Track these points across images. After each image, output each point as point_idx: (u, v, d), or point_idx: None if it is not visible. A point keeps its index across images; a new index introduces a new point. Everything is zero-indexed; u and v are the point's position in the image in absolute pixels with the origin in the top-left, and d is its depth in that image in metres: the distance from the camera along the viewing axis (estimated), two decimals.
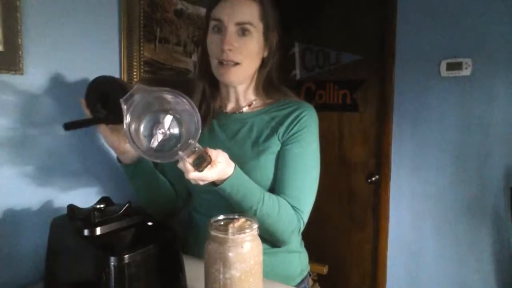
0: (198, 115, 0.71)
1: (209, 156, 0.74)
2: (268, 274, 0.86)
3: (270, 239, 0.96)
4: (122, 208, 0.83)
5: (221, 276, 0.70)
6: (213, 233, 0.71)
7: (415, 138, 1.91)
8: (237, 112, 1.05)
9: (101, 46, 1.12)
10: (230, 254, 0.69)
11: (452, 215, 1.83)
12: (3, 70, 0.89)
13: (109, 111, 0.88)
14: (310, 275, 1.14)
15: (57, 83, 1.01)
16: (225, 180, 0.83)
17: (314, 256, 1.25)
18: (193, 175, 0.75)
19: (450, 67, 1.77)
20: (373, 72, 2.03)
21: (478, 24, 1.71)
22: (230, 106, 1.07)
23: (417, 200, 1.93)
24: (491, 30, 1.68)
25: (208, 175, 0.77)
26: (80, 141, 1.07)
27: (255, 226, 0.72)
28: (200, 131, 0.71)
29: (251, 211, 0.87)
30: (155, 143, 0.72)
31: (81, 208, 0.86)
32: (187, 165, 0.74)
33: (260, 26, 0.96)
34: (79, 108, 0.92)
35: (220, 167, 0.79)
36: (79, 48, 1.05)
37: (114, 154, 1.02)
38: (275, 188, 0.97)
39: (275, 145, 0.97)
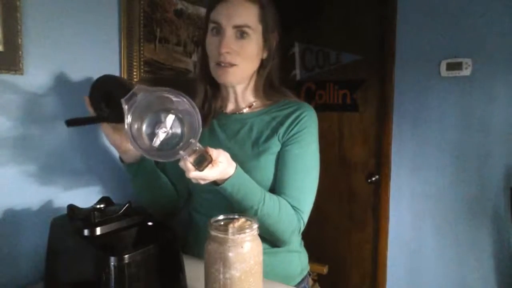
0: (199, 115, 0.71)
1: (210, 155, 0.74)
2: (268, 274, 0.86)
3: (271, 239, 0.96)
4: (122, 208, 0.83)
5: (221, 276, 0.70)
6: (213, 233, 0.71)
7: (415, 138, 1.91)
8: (237, 112, 1.05)
9: (101, 46, 1.12)
10: (230, 254, 0.69)
11: (452, 215, 1.83)
12: (3, 70, 0.89)
13: (112, 109, 0.88)
14: (310, 274, 1.15)
15: (57, 83, 1.01)
16: (226, 179, 0.83)
17: (314, 256, 1.25)
18: (193, 174, 0.75)
19: (450, 67, 1.77)
20: (373, 72, 2.03)
21: (478, 24, 1.71)
22: (230, 107, 1.07)
23: (417, 200, 1.93)
24: (491, 30, 1.68)
25: (209, 174, 0.77)
26: (79, 141, 1.07)
27: (255, 226, 0.72)
28: (201, 131, 0.71)
29: (252, 211, 0.87)
30: (157, 142, 0.72)
31: (81, 208, 0.86)
32: (188, 164, 0.74)
33: (259, 28, 0.96)
34: (80, 108, 0.92)
35: (221, 166, 0.79)
36: (79, 48, 1.06)
37: (114, 154, 1.03)
38: (275, 188, 0.97)
39: (275, 145, 0.97)
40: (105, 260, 0.70)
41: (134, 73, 1.21)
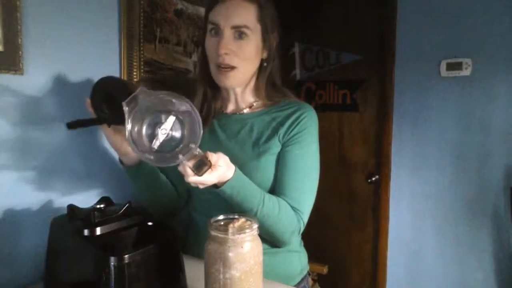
0: (200, 120, 0.71)
1: (209, 160, 0.74)
2: (268, 274, 0.86)
3: (270, 239, 0.96)
4: (122, 208, 0.83)
5: (221, 276, 0.70)
6: (213, 233, 0.71)
7: (415, 138, 1.91)
8: (238, 113, 1.05)
9: (101, 46, 1.12)
10: (230, 254, 0.69)
11: (452, 215, 1.83)
12: (3, 70, 0.89)
13: (113, 111, 0.88)
14: (309, 274, 1.15)
15: (57, 83, 1.01)
16: (225, 182, 0.83)
17: (314, 256, 1.25)
18: (192, 179, 0.75)
19: (450, 67, 1.77)
20: (373, 72, 2.03)
21: (478, 24, 1.71)
22: (230, 107, 1.07)
23: (417, 200, 1.93)
24: (491, 30, 1.68)
25: (208, 179, 0.77)
26: (80, 141, 1.07)
27: (255, 226, 0.72)
28: (201, 137, 0.71)
29: (252, 213, 0.87)
30: (157, 143, 0.72)
31: (81, 208, 0.86)
32: (187, 169, 0.74)
33: (257, 28, 0.96)
34: (80, 108, 0.92)
35: (220, 171, 0.79)
36: (79, 48, 1.06)
37: (114, 154, 1.03)
38: (275, 188, 0.97)
39: (275, 146, 0.97)
40: (105, 260, 0.70)
41: (134, 73, 1.21)
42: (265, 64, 1.02)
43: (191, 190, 1.08)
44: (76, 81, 1.05)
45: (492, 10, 1.68)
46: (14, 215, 0.94)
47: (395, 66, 1.93)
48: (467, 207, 1.79)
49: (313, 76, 2.24)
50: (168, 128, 0.72)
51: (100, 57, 1.12)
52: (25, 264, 0.97)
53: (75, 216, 0.83)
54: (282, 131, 0.98)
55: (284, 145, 0.98)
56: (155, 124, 0.72)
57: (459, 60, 1.75)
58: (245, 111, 1.05)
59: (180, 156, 0.71)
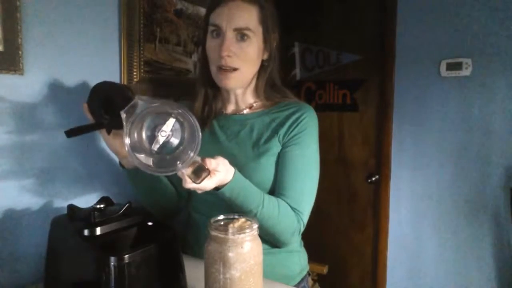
0: (199, 127, 0.71)
1: (208, 168, 0.74)
2: (268, 274, 0.86)
3: (271, 240, 0.96)
4: (122, 208, 0.83)
5: (221, 276, 0.70)
6: (213, 233, 0.71)
7: (415, 138, 1.91)
8: (238, 113, 1.05)
9: (101, 46, 1.12)
10: (230, 254, 0.69)
11: (452, 215, 1.83)
12: (3, 70, 0.89)
13: (111, 116, 0.88)
14: (309, 274, 1.15)
15: (57, 83, 1.01)
16: (225, 185, 0.83)
17: (314, 256, 1.25)
18: (191, 186, 0.75)
19: (450, 67, 1.77)
20: (373, 72, 2.03)
21: (478, 24, 1.71)
22: (230, 108, 1.07)
23: (417, 200, 1.93)
24: (491, 30, 1.68)
25: (207, 185, 0.77)
26: (80, 142, 1.07)
27: (255, 226, 0.72)
28: (200, 144, 0.71)
29: (251, 214, 0.87)
30: (156, 146, 0.72)
31: (81, 208, 0.86)
32: (185, 176, 0.74)
33: (259, 29, 0.96)
34: (80, 108, 0.92)
35: (219, 176, 0.79)
36: (79, 48, 1.06)
37: (114, 154, 1.02)
38: (275, 189, 0.97)
39: (275, 146, 0.97)
40: (105, 260, 0.70)
41: (134, 73, 1.21)
42: (265, 64, 1.02)
43: (191, 191, 1.08)
44: (76, 81, 1.05)
45: (492, 10, 1.68)
46: (14, 215, 0.94)
47: (395, 66, 1.93)
48: (467, 207, 1.79)
49: (313, 76, 2.24)
50: (168, 130, 0.72)
51: (100, 57, 1.12)
52: (25, 264, 0.97)
53: (75, 216, 0.83)
54: (282, 131, 0.98)
55: (284, 146, 0.98)
56: (155, 127, 0.72)
57: (459, 60, 1.75)
58: (245, 111, 1.05)
59: (179, 164, 0.71)
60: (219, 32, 0.94)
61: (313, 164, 1.00)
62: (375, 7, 2.01)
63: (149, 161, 0.73)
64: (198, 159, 0.73)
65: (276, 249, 1.00)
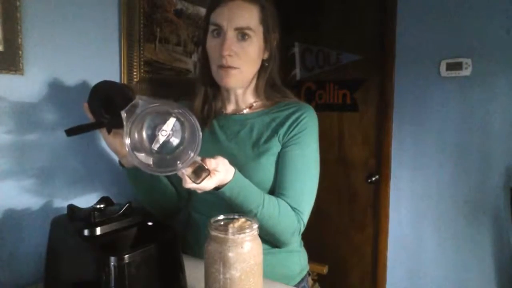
0: (199, 127, 0.71)
1: (208, 168, 0.74)
2: (268, 273, 0.86)
3: (271, 240, 0.96)
4: (122, 208, 0.83)
5: (221, 276, 0.70)
6: (213, 233, 0.71)
7: (415, 138, 1.91)
8: (238, 113, 1.05)
9: (101, 46, 1.12)
10: (230, 254, 0.69)
11: (452, 215, 1.83)
12: (3, 70, 0.89)
13: (112, 116, 0.88)
14: (309, 274, 1.15)
15: (57, 83, 1.01)
16: (225, 184, 0.83)
17: (314, 256, 1.25)
18: (190, 186, 0.75)
19: (450, 67, 1.77)
20: (373, 72, 2.03)
21: (478, 24, 1.71)
22: (230, 107, 1.07)
23: (417, 200, 1.93)
24: (491, 30, 1.68)
25: (206, 185, 0.77)
26: (80, 141, 1.07)
27: (255, 226, 0.72)
28: (200, 144, 0.71)
29: (252, 214, 0.87)
30: (156, 146, 0.72)
31: (81, 208, 0.86)
32: (185, 176, 0.74)
33: (260, 29, 0.96)
34: (80, 107, 0.92)
35: (219, 176, 0.79)
36: (79, 48, 1.06)
37: (114, 154, 1.02)
38: (275, 189, 0.97)
39: (275, 146, 0.97)
40: (105, 260, 0.70)
41: (134, 73, 1.21)
42: (266, 64, 1.02)
43: (191, 191, 1.08)
44: (76, 81, 1.05)
45: (492, 10, 1.68)
46: (14, 215, 0.94)
47: (395, 66, 1.93)
48: (467, 207, 1.79)
49: (313, 76, 2.24)
50: (168, 129, 0.72)
51: (100, 57, 1.12)
52: (25, 264, 0.97)
53: (75, 216, 0.83)
54: (282, 131, 0.98)
55: (284, 146, 0.98)
56: (155, 126, 0.72)
57: (459, 60, 1.75)
58: (245, 111, 1.05)
59: (179, 164, 0.71)
60: (219, 32, 0.94)
61: (313, 164, 1.00)
62: (375, 7, 2.01)
63: (149, 161, 0.73)
64: (198, 159, 0.73)
65: (276, 249, 1.00)
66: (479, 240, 1.77)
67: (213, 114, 1.06)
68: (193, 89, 1.07)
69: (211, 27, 0.96)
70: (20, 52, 0.92)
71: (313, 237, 1.24)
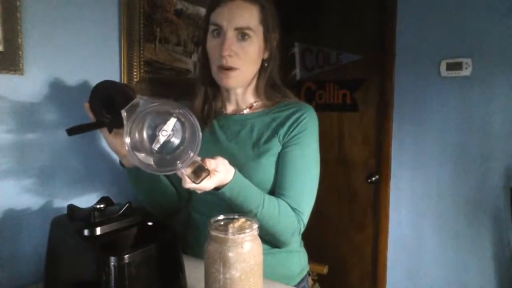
0: (199, 127, 0.71)
1: (207, 169, 0.74)
2: (268, 273, 0.86)
3: (271, 240, 0.96)
4: (122, 208, 0.83)
5: (221, 276, 0.70)
6: (213, 233, 0.71)
7: (415, 138, 1.91)
8: (238, 113, 1.05)
9: (101, 46, 1.12)
10: (230, 254, 0.69)
11: (452, 215, 1.83)
12: (3, 70, 0.89)
13: (112, 115, 0.88)
14: (309, 274, 1.15)
15: (57, 83, 1.01)
16: (225, 185, 0.83)
17: (314, 256, 1.25)
18: (190, 186, 0.75)
19: (450, 67, 1.77)
20: (373, 72, 2.03)
21: (478, 24, 1.71)
22: (230, 108, 1.07)
23: (417, 200, 1.93)
24: (491, 30, 1.68)
25: (206, 185, 0.77)
26: (80, 141, 1.07)
27: (255, 226, 0.72)
28: (200, 144, 0.71)
29: (251, 214, 0.87)
30: (157, 145, 0.72)
31: (81, 208, 0.86)
32: (185, 176, 0.74)
33: (260, 29, 0.96)
34: (80, 107, 0.92)
35: (219, 176, 0.79)
36: (79, 48, 1.06)
37: (114, 154, 1.02)
38: (275, 189, 0.97)
39: (275, 146, 0.97)
40: (105, 260, 0.70)
41: (134, 73, 1.21)
42: (266, 64, 1.02)
43: (191, 191, 1.08)
44: (76, 81, 1.05)
45: (492, 10, 1.68)
46: (14, 215, 0.94)
47: (395, 66, 1.93)
48: (467, 207, 1.79)
49: (313, 76, 2.24)
50: (169, 129, 0.72)
51: (100, 57, 1.12)
52: (25, 264, 0.97)
53: (75, 216, 0.83)
54: (282, 131, 0.98)
55: (284, 146, 0.98)
56: (156, 126, 0.72)
57: (459, 60, 1.75)
58: (245, 111, 1.05)
59: (178, 164, 0.71)
60: (220, 32, 0.94)
61: (313, 164, 1.00)
62: (375, 7, 2.01)
63: (149, 161, 0.73)
64: (198, 159, 0.73)
65: (276, 249, 1.00)
66: (479, 240, 1.77)
67: (213, 114, 1.06)
68: (193, 89, 1.07)
69: (211, 27, 0.96)
70: (20, 52, 0.92)
71: (313, 237, 1.24)
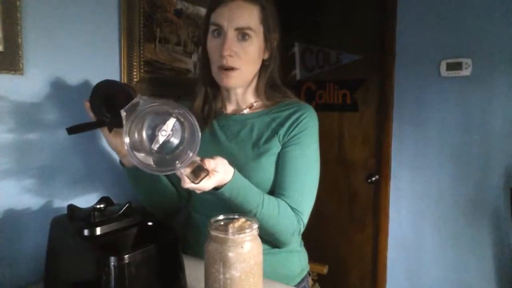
0: (198, 127, 0.71)
1: (206, 169, 0.74)
2: (268, 274, 0.86)
3: (271, 240, 0.96)
4: (122, 208, 0.83)
5: (221, 276, 0.70)
6: (213, 233, 0.71)
7: (415, 138, 1.91)
8: (238, 113, 1.05)
9: (101, 46, 1.12)
10: (230, 254, 0.69)
11: (452, 215, 1.83)
12: (3, 70, 0.89)
13: (113, 114, 0.88)
14: (309, 274, 1.15)
15: (57, 83, 1.01)
16: (224, 185, 0.83)
17: (314, 256, 1.25)
18: (189, 186, 0.75)
19: (450, 67, 1.77)
20: (373, 72, 2.03)
21: (478, 24, 1.71)
22: (230, 108, 1.07)
23: (417, 200, 1.93)
24: (491, 30, 1.68)
25: (205, 185, 0.77)
26: (81, 141, 1.07)
27: (255, 226, 0.72)
28: (199, 144, 0.71)
29: (251, 214, 0.87)
30: (156, 145, 0.72)
31: (81, 208, 0.86)
32: (184, 176, 0.74)
33: (260, 29, 0.96)
34: (80, 107, 0.92)
35: (218, 176, 0.79)
36: (79, 48, 1.06)
37: (114, 154, 1.03)
38: (275, 189, 0.97)
39: (275, 146, 0.97)
40: (105, 260, 0.70)
41: (134, 73, 1.21)
42: (266, 64, 1.02)
43: (191, 191, 1.08)
44: (76, 81, 1.05)
45: (492, 10, 1.68)
46: (14, 215, 0.94)
47: (395, 66, 1.93)
48: (467, 207, 1.79)
49: (313, 76, 2.24)
50: (168, 129, 0.72)
51: (100, 57, 1.12)
52: (25, 264, 0.97)
53: (75, 216, 0.83)
54: (282, 131, 0.98)
55: (284, 146, 0.98)
56: (155, 126, 0.72)
57: (459, 60, 1.75)
58: (245, 111, 1.05)
59: (177, 164, 0.71)
60: (220, 32, 0.94)
61: (313, 164, 1.00)
62: (375, 7, 2.01)
63: (149, 160, 0.73)
64: (197, 159, 0.73)
65: (276, 249, 1.00)
66: (479, 240, 1.77)
67: (213, 114, 1.06)
68: (193, 89, 1.07)
69: (212, 27, 0.96)
70: (20, 52, 0.92)
71: (313, 237, 1.24)
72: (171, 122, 0.72)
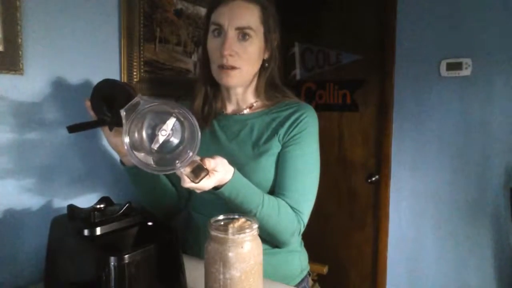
0: (198, 127, 0.71)
1: (206, 168, 0.74)
2: (268, 274, 0.86)
3: (271, 240, 0.96)
4: (122, 208, 0.83)
5: (221, 276, 0.70)
6: (213, 233, 0.71)
7: (415, 138, 1.91)
8: (238, 113, 1.05)
9: (101, 46, 1.12)
10: (230, 254, 0.69)
11: (452, 215, 1.83)
12: (3, 70, 0.89)
13: (113, 114, 0.88)
14: (309, 274, 1.15)
15: (57, 83, 1.01)
16: (224, 184, 0.83)
17: (314, 256, 1.25)
18: (189, 185, 0.75)
19: (450, 67, 1.77)
20: (373, 72, 2.03)
21: (478, 24, 1.71)
22: (230, 108, 1.07)
23: (417, 200, 1.93)
24: (491, 30, 1.68)
25: (205, 184, 0.77)
26: (80, 141, 1.07)
27: (255, 226, 0.72)
28: (199, 144, 0.71)
29: (251, 214, 0.87)
30: (156, 145, 0.72)
31: (81, 208, 0.86)
32: (183, 175, 0.74)
33: (260, 29, 0.96)
34: (80, 107, 0.92)
35: (218, 176, 0.79)
36: (79, 47, 1.06)
37: (114, 154, 1.03)
38: (275, 189, 0.97)
39: (275, 146, 0.97)
40: (105, 260, 0.70)
41: (134, 73, 1.21)
42: (266, 64, 1.02)
43: (191, 191, 1.08)
44: (76, 81, 1.06)
45: (492, 10, 1.68)
46: (14, 215, 0.94)
47: (395, 66, 1.93)
48: (467, 207, 1.79)
49: (313, 76, 2.24)
50: (168, 129, 0.72)
51: (100, 57, 1.12)
52: (25, 264, 0.97)
53: (75, 216, 0.83)
54: (282, 131, 0.98)
55: (284, 146, 0.98)
56: (155, 126, 0.72)
57: (459, 60, 1.75)
58: (245, 111, 1.05)
59: (177, 163, 0.71)
60: (220, 31, 0.94)
61: (313, 164, 1.00)
62: (375, 7, 2.01)
63: (149, 160, 0.73)
64: (197, 158, 0.73)
65: (277, 249, 1.00)
66: (479, 240, 1.77)
67: (213, 114, 1.06)
68: (193, 89, 1.07)
69: (212, 27, 0.96)
70: (20, 52, 0.92)
71: (313, 237, 1.24)
72: (171, 121, 0.72)
